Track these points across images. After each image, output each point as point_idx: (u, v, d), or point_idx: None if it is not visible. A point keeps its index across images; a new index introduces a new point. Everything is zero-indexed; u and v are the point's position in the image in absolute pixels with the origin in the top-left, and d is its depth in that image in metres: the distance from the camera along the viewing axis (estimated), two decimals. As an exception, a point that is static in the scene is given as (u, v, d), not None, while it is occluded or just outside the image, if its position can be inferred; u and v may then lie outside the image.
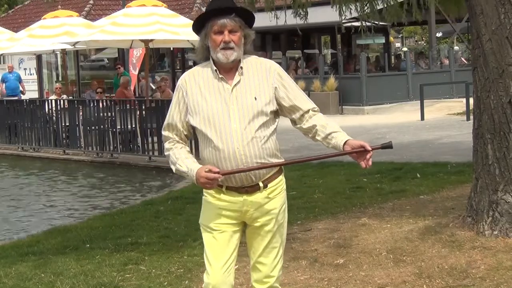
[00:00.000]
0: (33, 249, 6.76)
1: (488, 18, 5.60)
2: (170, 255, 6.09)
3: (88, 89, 20.08)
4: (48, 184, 12.55)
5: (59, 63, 27.66)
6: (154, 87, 19.66)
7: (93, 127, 14.82)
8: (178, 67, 23.82)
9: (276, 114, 3.64)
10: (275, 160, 3.59)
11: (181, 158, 3.60)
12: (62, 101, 16.14)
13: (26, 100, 18.09)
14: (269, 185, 3.61)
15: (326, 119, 3.67)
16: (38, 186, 12.38)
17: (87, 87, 21.51)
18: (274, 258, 3.69)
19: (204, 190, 3.66)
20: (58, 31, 16.84)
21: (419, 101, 18.35)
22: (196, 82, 3.60)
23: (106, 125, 14.53)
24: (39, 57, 23.88)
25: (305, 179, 9.54)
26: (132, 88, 19.25)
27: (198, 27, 3.63)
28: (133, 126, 13.96)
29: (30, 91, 23.57)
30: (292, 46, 25.97)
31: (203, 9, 25.83)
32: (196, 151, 12.45)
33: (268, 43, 26.55)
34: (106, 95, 17.36)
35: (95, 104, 14.92)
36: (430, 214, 6.71)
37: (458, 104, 19.40)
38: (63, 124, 15.59)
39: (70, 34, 16.22)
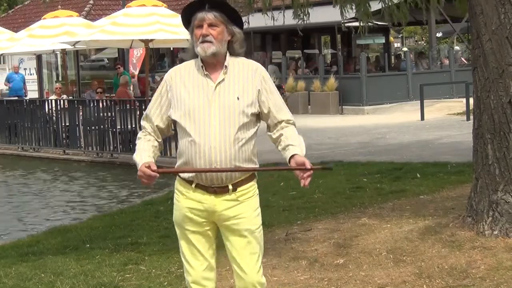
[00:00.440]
0: (33, 249, 6.76)
1: (488, 18, 5.60)
2: (170, 255, 6.09)
3: (88, 89, 20.08)
4: (48, 184, 12.56)
5: (59, 63, 27.67)
6: (155, 87, 19.67)
7: (93, 127, 14.83)
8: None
9: (257, 117, 3.63)
10: (250, 165, 3.57)
11: (141, 149, 3.61)
12: (62, 101, 16.15)
13: (26, 100, 18.11)
14: (238, 189, 3.57)
15: (294, 132, 3.62)
16: (38, 186, 12.38)
17: (87, 87, 21.52)
18: (254, 264, 3.63)
19: (175, 187, 3.68)
20: (58, 31, 16.85)
21: (419, 101, 18.35)
22: (182, 77, 3.60)
23: (106, 125, 14.54)
24: (39, 57, 23.89)
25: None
26: (132, 88, 19.27)
27: (187, 23, 3.64)
28: (133, 126, 13.97)
29: (30, 91, 23.60)
30: (292, 46, 25.97)
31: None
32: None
33: (268, 43, 26.55)
34: (106, 95, 17.37)
35: (95, 104, 14.93)
36: (430, 214, 6.71)
37: (458, 104, 19.40)
38: (63, 124, 15.60)
39: (70, 34, 16.23)
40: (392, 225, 6.40)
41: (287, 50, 25.13)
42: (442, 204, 7.18)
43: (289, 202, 7.97)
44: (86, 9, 27.31)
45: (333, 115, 20.47)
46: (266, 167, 4.05)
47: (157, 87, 3.82)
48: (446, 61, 23.78)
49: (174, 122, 3.64)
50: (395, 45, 46.05)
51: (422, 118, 17.85)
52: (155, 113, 3.67)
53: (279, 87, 21.46)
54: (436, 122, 17.23)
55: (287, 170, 3.64)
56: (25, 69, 27.54)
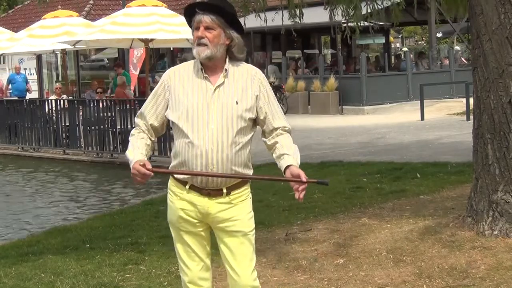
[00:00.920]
0: (33, 249, 6.76)
1: (488, 18, 5.60)
2: (170, 255, 6.08)
3: (88, 89, 20.08)
4: (48, 184, 12.55)
5: (59, 63, 27.67)
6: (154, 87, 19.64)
7: (93, 127, 14.83)
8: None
9: (254, 123, 3.63)
10: (245, 170, 3.58)
11: (134, 146, 3.61)
12: (62, 101, 16.15)
13: (26, 100, 18.11)
14: (232, 192, 3.58)
15: (289, 140, 3.63)
16: (37, 186, 12.38)
17: (87, 87, 21.51)
18: (247, 266, 3.63)
19: (168, 188, 3.70)
20: (58, 31, 16.85)
21: (419, 101, 18.36)
22: (180, 78, 3.60)
23: (106, 125, 14.54)
24: (39, 57, 23.89)
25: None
26: (132, 88, 19.26)
27: (190, 26, 3.65)
28: (133, 126, 13.93)
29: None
30: (292, 46, 25.96)
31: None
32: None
33: (268, 43, 26.55)
34: (106, 95, 17.37)
35: (95, 104, 14.92)
36: (430, 214, 6.71)
37: (458, 104, 19.41)
38: (63, 124, 15.60)
39: (70, 34, 16.23)
40: (392, 225, 6.40)
41: (287, 50, 25.14)
42: (442, 204, 7.18)
43: (289, 202, 7.97)
44: (86, 9, 27.31)
45: (333, 115, 20.47)
46: (260, 175, 4.04)
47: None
48: (446, 61, 23.79)
49: (170, 123, 3.64)
50: (396, 44, 46.06)
51: (422, 118, 17.85)
52: (150, 111, 3.67)
53: (279, 87, 21.46)
54: (436, 122, 17.23)
55: (282, 181, 3.63)
56: (25, 69, 27.52)
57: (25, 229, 8.74)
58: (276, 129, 3.64)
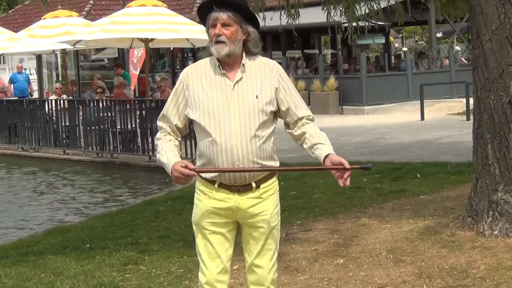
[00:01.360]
0: (33, 249, 6.76)
1: (488, 18, 5.60)
2: (170, 255, 6.10)
3: (88, 89, 20.08)
4: (47, 184, 12.55)
5: (59, 63, 27.67)
6: (155, 87, 19.68)
7: (93, 127, 14.82)
8: (178, 67, 23.82)
9: (275, 115, 3.63)
10: (271, 162, 3.58)
11: (165, 149, 3.59)
12: (62, 101, 16.15)
13: (26, 100, 18.10)
14: (261, 186, 3.59)
15: (317, 129, 3.64)
16: (37, 186, 12.38)
17: (87, 87, 21.51)
18: (270, 260, 3.68)
19: (196, 187, 3.68)
20: (58, 31, 16.84)
21: (419, 101, 18.36)
22: (198, 76, 3.59)
23: (106, 125, 14.54)
24: (39, 57, 23.91)
25: (305, 179, 9.53)
26: (132, 88, 19.26)
27: (203, 23, 3.63)
28: (133, 126, 13.97)
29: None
30: (292, 46, 25.96)
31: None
32: (195, 149, 12.46)
33: (268, 43, 26.54)
34: (106, 95, 17.36)
35: (95, 104, 14.92)
36: (430, 214, 6.71)
37: (458, 104, 19.41)
38: (63, 124, 15.60)
39: (70, 34, 16.22)
40: (392, 225, 6.40)
41: (287, 50, 25.14)
42: (442, 204, 7.18)
43: (289, 202, 7.96)
44: (86, 9, 27.31)
45: (333, 115, 20.47)
46: (299, 166, 4.03)
47: (157, 87, 3.82)
48: (446, 61, 23.78)
49: (191, 122, 3.63)
50: (395, 44, 46.04)
51: (422, 118, 17.85)
52: (173, 112, 3.65)
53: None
54: (436, 122, 17.24)
55: (323, 170, 3.63)
56: (25, 69, 27.54)
57: (25, 229, 8.74)
58: (300, 119, 3.64)
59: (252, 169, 3.51)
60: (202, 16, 3.61)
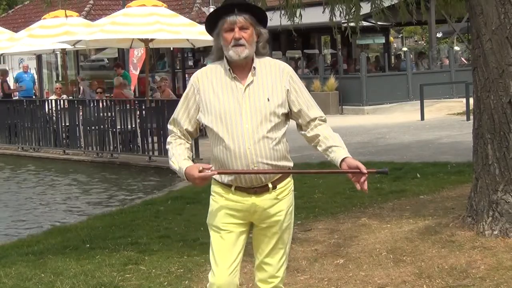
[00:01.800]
0: (33, 249, 6.76)
1: (488, 18, 5.60)
2: (170, 255, 6.09)
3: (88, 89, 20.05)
4: (48, 184, 12.55)
5: (59, 63, 27.67)
6: (155, 87, 19.68)
7: (93, 127, 14.82)
8: (178, 67, 23.82)
9: (286, 116, 3.63)
10: (285, 162, 3.60)
11: (176, 154, 3.61)
12: (62, 101, 16.15)
13: (26, 100, 18.10)
14: (278, 186, 3.61)
15: (330, 130, 3.65)
16: (38, 186, 12.38)
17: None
18: (280, 258, 3.71)
19: (212, 190, 3.67)
20: (58, 31, 16.85)
21: (419, 101, 18.35)
22: (209, 80, 3.59)
23: (106, 125, 14.54)
24: (39, 57, 23.90)
25: (305, 179, 9.53)
26: (132, 88, 19.25)
27: (211, 27, 3.62)
28: (133, 126, 13.97)
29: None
30: (292, 46, 25.96)
31: (203, 10, 25.81)
32: (197, 151, 12.47)
33: (268, 43, 26.50)
34: (106, 95, 17.37)
35: (95, 104, 14.92)
36: (430, 214, 6.71)
37: (458, 104, 19.40)
38: (63, 124, 15.60)
39: (70, 34, 16.23)
40: (392, 225, 6.40)
41: (287, 50, 25.13)
42: (442, 204, 7.18)
43: (289, 202, 7.95)
44: (86, 9, 27.32)
45: (333, 115, 20.45)
46: (317, 169, 4.04)
47: (157, 87, 3.82)
48: (446, 61, 23.78)
49: (203, 126, 3.63)
50: (394, 45, 46.02)
51: (422, 118, 17.85)
52: (183, 116, 3.65)
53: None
54: (436, 122, 17.23)
55: (340, 174, 3.63)
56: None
57: (25, 229, 8.74)
58: (313, 120, 3.65)
59: (267, 171, 3.52)
60: (213, 21, 3.59)
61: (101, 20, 16.01)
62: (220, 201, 3.62)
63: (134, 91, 20.08)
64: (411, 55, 24.62)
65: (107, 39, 15.09)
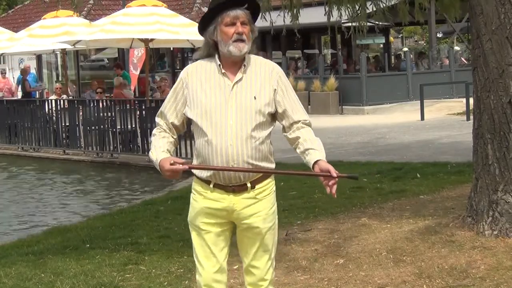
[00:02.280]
0: (33, 249, 6.76)
1: (488, 18, 5.60)
2: (170, 255, 6.09)
3: (88, 89, 20.07)
4: (48, 184, 12.56)
5: (59, 63, 27.66)
6: (155, 87, 19.68)
7: (93, 127, 14.83)
8: (178, 67, 23.83)
9: (273, 117, 3.62)
10: (266, 164, 3.57)
11: (156, 146, 3.60)
12: (62, 101, 16.16)
13: (26, 100, 18.10)
14: (256, 186, 3.57)
15: (312, 134, 3.61)
16: (38, 186, 12.38)
17: (87, 87, 21.49)
18: (267, 261, 3.67)
19: (192, 187, 3.67)
20: (58, 31, 16.85)
21: (419, 101, 18.36)
22: (198, 75, 3.59)
23: (106, 125, 14.54)
24: (39, 57, 23.91)
25: (305, 179, 9.53)
26: (132, 88, 19.25)
27: (205, 22, 3.58)
28: (133, 126, 13.97)
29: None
30: (292, 46, 25.96)
31: (203, 9, 25.82)
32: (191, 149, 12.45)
33: (268, 43, 26.55)
34: (106, 95, 17.37)
35: (95, 104, 14.93)
36: (430, 214, 6.71)
37: (458, 104, 19.41)
38: (63, 124, 15.60)
39: (70, 34, 16.23)
40: (392, 225, 6.40)
41: (287, 50, 25.14)
42: (442, 204, 7.18)
43: (289, 202, 7.97)
44: (86, 9, 27.30)
45: (333, 115, 20.48)
46: (287, 170, 4.01)
47: (157, 87, 3.82)
48: (446, 61, 23.79)
49: (189, 121, 3.63)
50: (394, 44, 46.02)
51: (422, 118, 17.85)
52: (170, 110, 3.65)
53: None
54: (436, 122, 17.24)
55: (310, 176, 3.62)
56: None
57: (25, 229, 8.74)
58: (296, 122, 3.61)
59: (245, 169, 3.49)
60: (211, 16, 3.55)
61: (101, 20, 16.00)
62: (200, 200, 3.61)
63: (134, 91, 20.08)
64: (411, 55, 24.62)
65: (107, 39, 15.09)
